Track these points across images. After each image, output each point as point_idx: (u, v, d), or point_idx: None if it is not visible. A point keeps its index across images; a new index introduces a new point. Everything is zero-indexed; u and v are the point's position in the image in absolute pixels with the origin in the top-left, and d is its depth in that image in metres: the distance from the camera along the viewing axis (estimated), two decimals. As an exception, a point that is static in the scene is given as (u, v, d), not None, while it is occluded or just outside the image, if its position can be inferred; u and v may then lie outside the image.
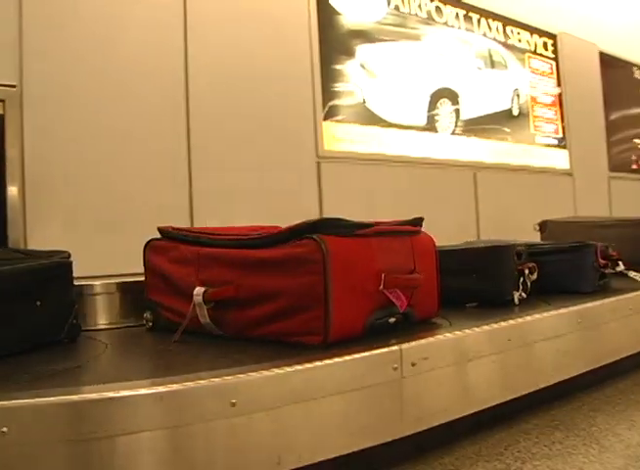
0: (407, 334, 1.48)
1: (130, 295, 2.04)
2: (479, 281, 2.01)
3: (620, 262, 2.45)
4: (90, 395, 1.02)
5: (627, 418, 1.89)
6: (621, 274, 2.45)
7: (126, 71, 2.53)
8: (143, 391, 1.06)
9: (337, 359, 1.27)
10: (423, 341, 1.43)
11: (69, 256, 1.68)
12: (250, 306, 1.51)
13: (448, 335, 1.51)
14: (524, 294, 2.07)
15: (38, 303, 1.52)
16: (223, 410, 1.10)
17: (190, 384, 1.09)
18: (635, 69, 6.03)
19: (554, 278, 2.20)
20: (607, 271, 2.37)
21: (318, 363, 1.24)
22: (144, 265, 1.84)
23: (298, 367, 1.22)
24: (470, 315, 1.89)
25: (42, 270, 1.57)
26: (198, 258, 1.64)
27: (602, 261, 2.33)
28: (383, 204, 3.32)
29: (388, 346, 1.36)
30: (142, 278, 1.85)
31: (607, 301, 2.09)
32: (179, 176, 2.63)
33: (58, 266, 1.63)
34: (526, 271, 2.07)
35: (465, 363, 1.53)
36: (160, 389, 1.06)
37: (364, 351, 1.33)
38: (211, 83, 2.75)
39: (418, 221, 1.76)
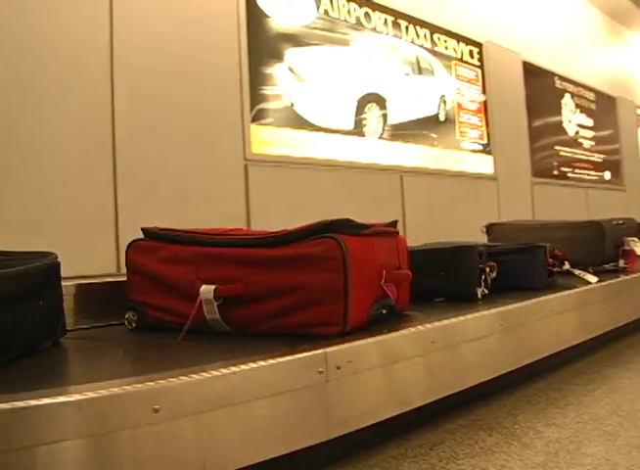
0: (332, 338, 1.49)
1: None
2: (446, 278, 2.18)
3: (567, 262, 2.73)
4: (2, 405, 0.99)
5: (547, 416, 1.94)
6: (567, 272, 2.73)
7: (47, 73, 2.46)
8: (61, 398, 1.02)
9: (262, 363, 1.26)
10: (347, 344, 1.43)
11: (57, 256, 1.65)
12: (260, 302, 1.60)
13: (373, 338, 1.51)
14: (485, 290, 2.24)
15: (41, 302, 1.51)
16: (146, 417, 1.08)
17: (113, 390, 1.06)
18: (556, 78, 6.22)
19: (510, 276, 2.36)
20: (555, 270, 2.65)
21: (243, 367, 1.23)
22: (126, 266, 1.84)
23: (224, 371, 1.20)
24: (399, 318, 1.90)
25: (46, 270, 1.57)
26: (196, 258, 1.69)
27: (550, 261, 2.61)
28: (311, 207, 3.32)
29: (313, 349, 1.36)
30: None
31: (528, 303, 2.14)
32: (103, 178, 2.57)
33: (55, 267, 1.62)
34: (487, 269, 2.25)
35: (390, 365, 1.53)
36: (79, 396, 1.03)
37: (289, 354, 1.32)
38: (137, 85, 2.70)
39: (395, 224, 1.94)
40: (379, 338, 1.53)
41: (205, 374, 1.17)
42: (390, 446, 1.69)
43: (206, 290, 1.60)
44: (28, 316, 1.46)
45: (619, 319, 2.92)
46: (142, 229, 1.85)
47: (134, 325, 1.82)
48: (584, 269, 2.83)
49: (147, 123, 2.71)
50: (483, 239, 3.49)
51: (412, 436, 1.77)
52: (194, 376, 1.16)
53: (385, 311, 1.74)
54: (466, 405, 2.03)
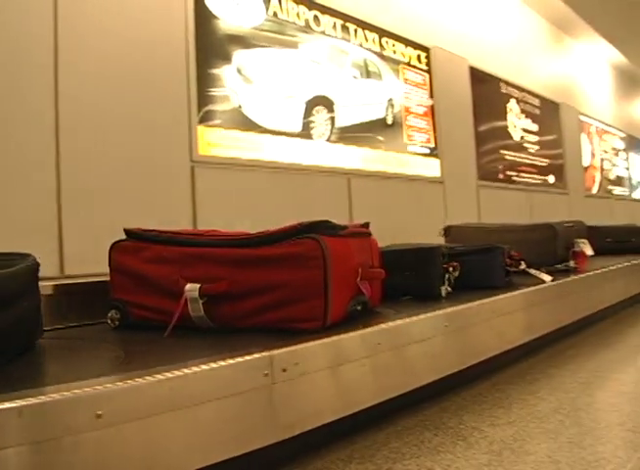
0: (278, 340, 1.48)
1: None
2: (412, 278, 2.30)
3: (523, 262, 2.83)
4: None
5: (491, 415, 1.97)
6: (524, 272, 2.83)
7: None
8: (1, 405, 1.00)
9: (205, 367, 1.25)
10: (293, 347, 1.42)
11: (35, 257, 1.64)
12: (244, 299, 1.68)
13: (320, 340, 1.51)
14: (449, 288, 2.37)
15: (26, 303, 1.50)
16: (89, 423, 1.06)
17: (54, 396, 1.04)
18: (502, 83, 6.32)
19: (471, 275, 2.50)
20: (512, 269, 2.77)
21: (186, 371, 1.21)
22: (109, 266, 1.89)
23: (168, 375, 1.19)
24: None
25: (33, 271, 1.57)
26: (181, 258, 1.76)
27: (508, 261, 2.74)
28: (259, 210, 3.31)
29: (259, 352, 1.35)
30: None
31: (472, 305, 2.17)
32: (46, 179, 2.52)
33: (37, 268, 1.61)
34: (451, 269, 2.38)
35: (336, 367, 1.54)
36: (21, 402, 1.00)
37: (234, 357, 1.31)
38: (81, 85, 2.65)
39: (367, 225, 2.07)
40: (326, 340, 1.53)
41: (149, 378, 1.16)
42: (338, 448, 1.69)
43: (192, 288, 1.68)
44: (24, 317, 1.47)
45: (562, 320, 2.99)
46: (125, 230, 1.90)
47: (117, 323, 1.87)
48: (539, 269, 2.95)
49: (91, 124, 2.67)
50: (435, 241, 3.52)
51: (359, 437, 1.78)
52: (138, 380, 1.14)
53: (359, 308, 1.83)
54: (412, 406, 2.05)
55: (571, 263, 3.46)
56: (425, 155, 4.88)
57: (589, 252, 3.54)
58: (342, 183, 3.97)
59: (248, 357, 1.33)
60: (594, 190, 8.71)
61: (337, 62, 4.11)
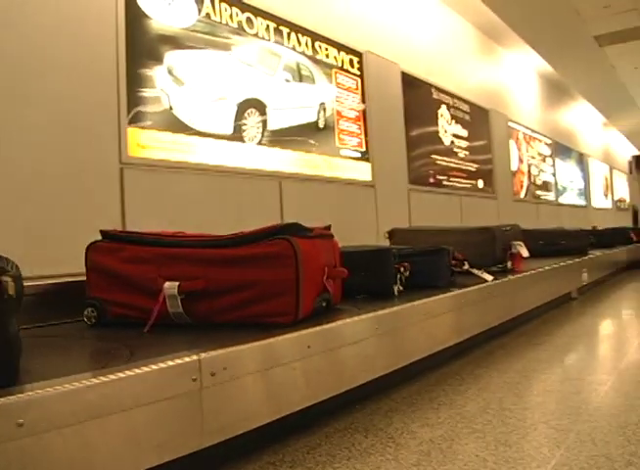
0: (206, 343, 1.47)
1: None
2: (366, 277, 2.44)
3: (466, 262, 3.06)
4: None
5: (421, 416, 1.99)
6: (467, 272, 3.05)
7: None
8: None
9: (132, 372, 1.22)
10: (222, 350, 1.41)
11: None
12: (220, 296, 1.79)
13: (249, 344, 1.50)
14: (401, 287, 2.55)
15: None
16: (9, 432, 1.03)
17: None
18: (433, 89, 6.41)
19: (420, 275, 2.66)
20: (456, 269, 2.98)
21: (112, 377, 1.19)
22: (86, 266, 1.95)
23: (94, 381, 1.16)
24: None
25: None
26: (158, 258, 1.85)
27: (453, 262, 2.95)
28: (190, 212, 3.27)
29: (187, 356, 1.33)
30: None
31: (403, 307, 2.19)
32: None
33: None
34: (402, 269, 2.55)
35: (266, 371, 1.53)
36: None
37: (164, 362, 1.29)
38: (4, 84, 2.57)
39: (329, 227, 2.20)
40: (255, 344, 1.52)
41: (73, 384, 1.13)
42: (268, 452, 1.69)
43: (170, 286, 1.78)
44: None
45: (490, 322, 3.05)
46: (101, 231, 2.00)
47: (93, 321, 1.93)
48: (480, 269, 3.15)
49: (15, 125, 2.59)
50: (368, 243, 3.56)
51: (290, 440, 1.78)
52: (60, 387, 1.11)
53: (324, 304, 1.98)
54: (343, 409, 2.06)
55: (509, 264, 3.67)
56: (356, 159, 4.91)
57: (525, 253, 3.75)
58: (273, 187, 3.96)
59: (176, 362, 1.31)
60: (522, 195, 8.92)
61: (269, 65, 4.10)
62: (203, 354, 1.35)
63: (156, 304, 1.76)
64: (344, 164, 4.74)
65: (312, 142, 4.39)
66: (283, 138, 4.09)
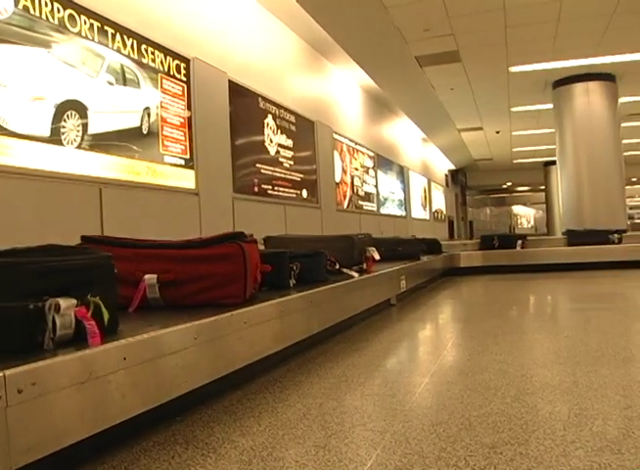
0: (13, 359, 1.39)
1: None
2: (269, 273, 2.86)
3: (337, 263, 3.96)
4: None
5: (242, 425, 1.99)
6: (338, 271, 3.95)
7: None
8: None
9: None
10: (31, 365, 1.33)
11: None
12: (186, 285, 2.37)
13: (60, 358, 1.44)
14: (294, 281, 3.23)
15: None
16: None
17: None
18: (260, 99, 6.47)
19: (305, 272, 3.34)
20: (330, 268, 3.79)
21: None
22: None
23: None
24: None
25: None
26: (136, 256, 2.36)
27: (329, 262, 3.79)
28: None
29: (-9, 372, 1.26)
30: None
31: (222, 316, 2.18)
32: None
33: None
34: (294, 267, 3.25)
35: (80, 385, 1.47)
36: None
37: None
38: None
39: (252, 235, 2.67)
40: (66, 357, 1.45)
41: None
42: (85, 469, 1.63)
43: (150, 278, 2.34)
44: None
45: (312, 328, 3.10)
46: (82, 237, 2.42)
47: None
48: (348, 268, 4.08)
49: None
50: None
51: (106, 457, 1.72)
52: None
53: (254, 291, 2.62)
54: (163, 421, 2.02)
55: (364, 266, 4.50)
56: (180, 166, 4.86)
57: (377, 257, 4.63)
58: (93, 193, 3.83)
59: (-22, 379, 1.23)
60: (345, 205, 9.19)
61: (92, 66, 3.96)
62: (9, 370, 1.28)
63: (138, 291, 2.30)
64: (169, 172, 4.67)
65: (135, 148, 4.29)
66: (104, 142, 3.97)
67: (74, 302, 1.58)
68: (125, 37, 4.30)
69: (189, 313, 2.12)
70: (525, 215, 45.96)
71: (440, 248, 8.56)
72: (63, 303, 1.54)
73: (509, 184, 28.28)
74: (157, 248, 2.44)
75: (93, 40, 3.99)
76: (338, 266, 3.96)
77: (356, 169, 9.94)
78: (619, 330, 3.62)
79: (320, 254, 3.64)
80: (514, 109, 12.70)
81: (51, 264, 1.61)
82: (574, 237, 9.30)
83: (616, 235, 8.97)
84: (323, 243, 4.38)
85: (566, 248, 9.15)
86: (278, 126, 6.88)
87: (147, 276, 2.32)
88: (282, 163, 6.93)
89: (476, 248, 9.46)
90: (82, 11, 3.89)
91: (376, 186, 11.10)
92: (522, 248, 9.05)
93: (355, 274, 4.00)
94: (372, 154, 10.99)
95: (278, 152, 6.84)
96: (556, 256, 8.78)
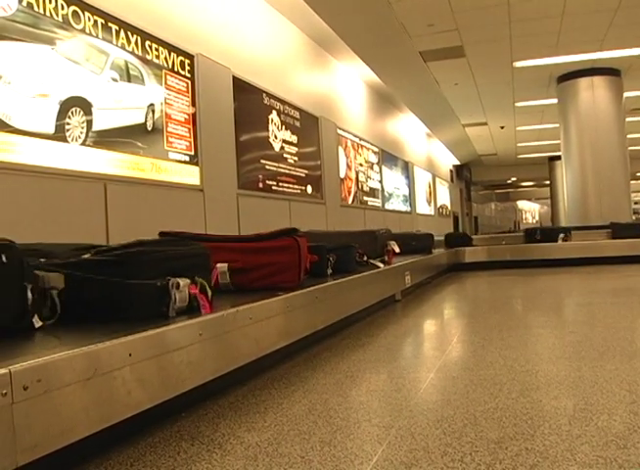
0: (19, 355, 1.39)
1: None
2: (310, 263, 3.23)
3: (365, 255, 4.52)
4: None
5: (248, 421, 2.00)
6: (366, 262, 4.49)
7: None
8: None
9: None
10: (36, 361, 1.34)
11: None
12: (251, 272, 2.86)
13: (64, 353, 1.44)
14: (330, 270, 3.70)
15: None
16: None
17: None
18: (265, 95, 6.46)
19: (339, 262, 3.82)
20: (359, 260, 4.35)
21: None
22: None
23: None
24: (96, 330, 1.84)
25: None
26: (209, 248, 2.44)
27: (358, 254, 4.33)
28: (6, 216, 3.10)
29: (-3, 369, 1.26)
30: None
31: (228, 312, 2.18)
32: None
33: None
34: (331, 258, 3.73)
35: (85, 381, 1.47)
36: None
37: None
38: None
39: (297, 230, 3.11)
40: (70, 353, 1.45)
41: None
42: (90, 467, 1.63)
43: (222, 266, 2.78)
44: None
45: (317, 324, 3.11)
46: (160, 232, 2.92)
47: None
48: (375, 260, 4.61)
49: None
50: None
51: (112, 453, 1.72)
52: None
53: (305, 277, 3.10)
54: (169, 417, 2.03)
55: (385, 258, 4.97)
56: (185, 162, 4.86)
57: (397, 249, 5.30)
58: (98, 189, 3.84)
59: (-17, 375, 1.23)
60: (350, 200, 9.18)
61: (96, 62, 3.96)
62: (14, 367, 1.28)
63: (212, 277, 2.44)
64: (173, 168, 4.67)
65: (140, 144, 4.29)
66: (109, 139, 3.97)
67: (188, 281, 2.07)
68: (129, 34, 4.30)
69: (252, 296, 2.54)
70: (530, 210, 45.88)
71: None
72: (181, 282, 2.03)
73: (514, 179, 28.23)
74: (226, 241, 2.97)
75: (97, 37, 3.99)
76: (365, 258, 4.50)
77: (361, 165, 9.93)
78: (624, 324, 3.61)
79: (351, 247, 4.15)
80: (518, 104, 12.67)
81: (169, 253, 2.11)
82: (620, 230, 8.90)
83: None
84: (349, 237, 4.89)
85: (613, 241, 8.76)
86: (282, 122, 6.88)
87: (219, 265, 2.75)
88: (286, 158, 6.92)
89: (519, 242, 9.36)
90: (86, 7, 3.89)
91: (380, 182, 11.09)
92: (564, 241, 8.82)
93: (381, 265, 4.57)
94: (376, 149, 10.97)
95: (282, 148, 6.83)
96: (601, 249, 8.50)
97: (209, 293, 2.16)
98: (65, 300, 1.89)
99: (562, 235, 8.87)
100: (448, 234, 9.80)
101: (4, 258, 1.66)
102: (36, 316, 1.76)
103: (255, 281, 2.87)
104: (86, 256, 2.10)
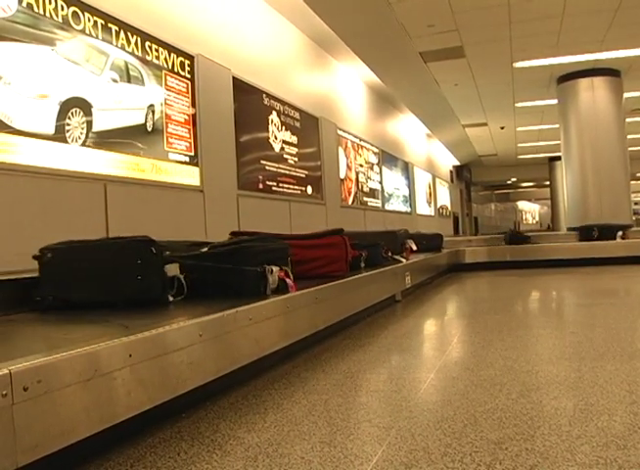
0: (19, 356, 1.39)
1: None
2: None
3: (390, 252, 5.37)
4: None
5: (248, 422, 2.00)
6: (391, 257, 5.32)
7: None
8: None
9: None
10: (36, 362, 1.34)
11: None
12: (307, 263, 3.58)
13: (64, 354, 1.44)
14: (363, 264, 4.56)
15: None
16: None
17: None
18: (265, 95, 6.46)
19: (369, 258, 4.68)
20: (384, 256, 5.15)
21: None
22: None
23: None
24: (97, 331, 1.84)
25: None
26: None
27: (384, 251, 5.18)
28: (6, 217, 3.10)
29: (-3, 369, 1.26)
30: None
31: (227, 313, 2.18)
32: None
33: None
34: (363, 254, 4.56)
35: (85, 382, 1.47)
36: None
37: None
38: None
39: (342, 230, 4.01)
40: (70, 354, 1.46)
41: None
42: (90, 467, 1.64)
43: None
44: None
45: (317, 324, 3.11)
46: (231, 232, 3.88)
47: None
48: (397, 255, 5.45)
49: None
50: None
51: (112, 454, 1.73)
52: None
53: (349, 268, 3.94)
54: (169, 418, 2.03)
55: (404, 254, 5.79)
56: (185, 163, 4.85)
57: (414, 247, 6.27)
58: (98, 190, 3.83)
59: (-16, 375, 1.23)
60: (350, 201, 9.18)
61: (96, 63, 3.95)
62: (14, 367, 1.28)
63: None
64: (173, 169, 4.67)
65: (140, 145, 4.28)
66: (109, 140, 3.96)
67: (278, 268, 2.82)
68: (129, 34, 4.29)
69: (307, 283, 3.13)
70: (530, 211, 45.86)
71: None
72: (274, 268, 2.80)
73: (514, 180, 28.21)
74: (286, 239, 3.43)
75: (97, 38, 3.98)
76: (390, 254, 5.32)
77: (361, 166, 9.92)
78: (625, 325, 3.62)
79: (378, 244, 5.00)
80: (518, 104, 12.66)
81: (265, 247, 2.92)
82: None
83: None
84: (374, 237, 5.67)
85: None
86: (282, 123, 6.87)
87: None
88: (286, 159, 6.91)
89: (575, 240, 9.39)
90: (86, 8, 3.88)
91: (380, 182, 11.08)
92: (622, 239, 8.68)
93: (403, 260, 5.45)
94: (376, 150, 10.96)
95: (282, 148, 6.82)
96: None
97: (292, 277, 2.92)
98: (189, 282, 2.57)
99: (620, 233, 8.72)
100: (511, 234, 10.04)
101: (154, 250, 2.47)
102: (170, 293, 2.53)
103: (310, 271, 3.59)
104: (204, 249, 2.89)
